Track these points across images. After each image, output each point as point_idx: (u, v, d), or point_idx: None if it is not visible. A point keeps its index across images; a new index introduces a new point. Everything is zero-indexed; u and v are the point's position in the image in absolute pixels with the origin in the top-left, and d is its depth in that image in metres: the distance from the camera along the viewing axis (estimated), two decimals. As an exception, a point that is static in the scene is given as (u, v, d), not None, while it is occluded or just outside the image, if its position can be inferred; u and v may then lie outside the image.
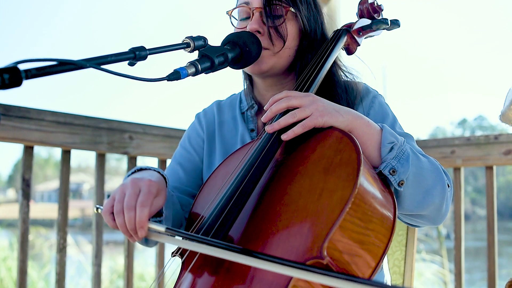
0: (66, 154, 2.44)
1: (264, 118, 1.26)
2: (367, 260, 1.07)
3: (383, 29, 1.60)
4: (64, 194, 2.41)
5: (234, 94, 1.69)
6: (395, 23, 1.60)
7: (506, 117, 2.02)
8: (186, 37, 1.19)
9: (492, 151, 2.71)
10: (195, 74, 1.18)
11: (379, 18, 1.63)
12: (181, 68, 1.14)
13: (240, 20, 1.50)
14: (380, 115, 1.47)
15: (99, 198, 2.54)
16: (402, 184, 1.19)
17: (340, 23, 3.45)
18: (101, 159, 2.54)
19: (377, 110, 1.47)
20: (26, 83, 0.84)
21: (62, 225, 2.40)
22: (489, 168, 2.77)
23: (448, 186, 1.30)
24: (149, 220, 1.12)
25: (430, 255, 6.10)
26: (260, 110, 1.58)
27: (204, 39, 1.22)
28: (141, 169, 1.32)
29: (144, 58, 1.05)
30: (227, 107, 1.65)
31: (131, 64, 1.04)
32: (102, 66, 0.96)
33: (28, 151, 2.31)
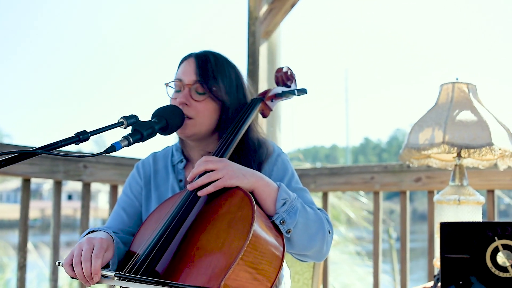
0: (26, 182, 2.74)
1: (188, 178, 1.60)
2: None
3: (293, 96, 1.97)
4: (24, 218, 2.71)
5: (168, 146, 2.01)
6: (302, 91, 1.97)
7: (403, 158, 2.42)
8: (120, 117, 1.52)
9: (405, 178, 3.11)
10: (128, 145, 1.50)
11: (292, 86, 2.00)
12: (116, 142, 1.46)
13: (175, 91, 1.83)
14: (282, 171, 1.82)
15: (56, 222, 2.84)
16: (289, 232, 1.54)
17: (280, 57, 3.83)
18: (57, 186, 2.85)
19: (279, 167, 1.82)
20: None
21: (22, 245, 2.70)
22: (403, 193, 3.17)
23: (329, 232, 1.66)
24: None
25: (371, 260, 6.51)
26: (188, 164, 1.91)
27: (136, 117, 1.55)
28: (93, 231, 1.67)
29: (87, 139, 1.38)
30: (161, 158, 1.97)
31: (77, 144, 1.38)
32: (54, 151, 1.29)
33: (-8, 181, 2.60)
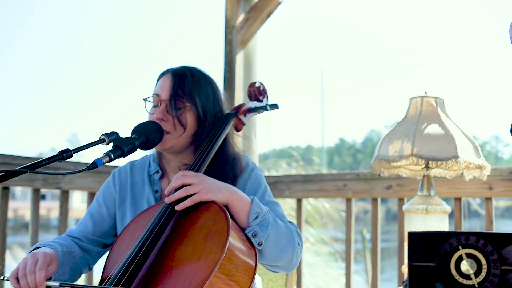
0: (5, 191, 2.77)
1: (166, 191, 1.66)
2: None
3: (265, 111, 2.05)
4: (3, 226, 2.74)
5: (146, 155, 2.07)
6: (274, 106, 2.05)
7: (373, 169, 2.51)
8: (102, 134, 1.58)
9: (376, 186, 3.21)
10: (109, 161, 1.56)
11: (264, 101, 2.08)
12: (98, 159, 1.52)
13: (153, 106, 1.88)
14: (255, 185, 1.90)
15: (35, 229, 2.88)
16: (261, 244, 1.62)
17: (257, 66, 3.90)
18: (36, 194, 2.89)
19: (253, 181, 1.90)
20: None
21: (1, 253, 2.74)
22: (374, 200, 3.27)
23: (299, 244, 1.74)
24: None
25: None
26: (164, 175, 1.97)
27: (117, 134, 1.61)
28: (39, 247, 1.74)
29: (70, 157, 1.44)
30: (138, 168, 2.02)
31: (60, 162, 1.43)
32: (37, 169, 1.35)
33: (-30, 189, 2.63)
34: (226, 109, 1.98)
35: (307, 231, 6.98)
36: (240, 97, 3.73)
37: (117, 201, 1.98)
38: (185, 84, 1.84)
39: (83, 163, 3.02)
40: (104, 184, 2.05)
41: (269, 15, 3.76)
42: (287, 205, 6.28)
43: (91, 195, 3.11)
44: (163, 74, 1.91)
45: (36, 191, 2.89)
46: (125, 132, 1.68)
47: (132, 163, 2.06)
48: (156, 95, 1.86)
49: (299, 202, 3.51)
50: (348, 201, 3.34)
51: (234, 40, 3.78)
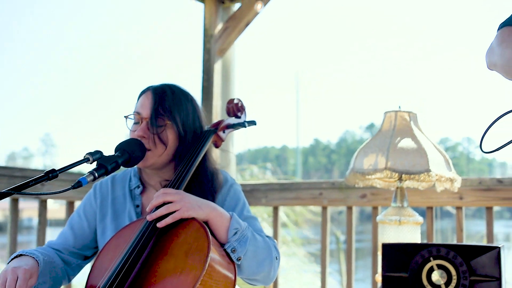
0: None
1: (148, 209, 1.71)
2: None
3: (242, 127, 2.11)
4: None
5: (127, 169, 2.10)
6: (251, 123, 2.11)
7: (349, 181, 2.58)
8: (86, 153, 1.62)
9: (351, 195, 3.28)
10: (93, 180, 1.60)
11: (242, 117, 2.13)
12: (82, 178, 1.56)
13: (134, 123, 1.92)
14: (234, 201, 1.95)
15: (13, 238, 2.88)
16: (239, 259, 1.68)
17: (235, 74, 3.95)
18: (15, 203, 2.90)
19: (232, 197, 1.96)
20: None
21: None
22: (349, 208, 3.35)
23: (276, 259, 1.80)
24: None
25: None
26: (145, 190, 2.01)
27: (100, 152, 1.65)
28: (20, 255, 1.77)
29: (56, 177, 1.48)
30: (119, 181, 2.05)
31: (46, 182, 1.47)
32: (24, 190, 1.39)
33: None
34: (206, 125, 2.03)
35: (281, 234, 7.05)
36: (218, 105, 3.77)
37: (98, 215, 2.01)
38: (165, 102, 1.89)
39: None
40: (85, 197, 2.07)
41: (247, 24, 3.81)
42: (262, 210, 6.34)
43: (70, 204, 3.13)
44: (143, 92, 1.95)
45: (14, 201, 2.90)
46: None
47: (113, 177, 2.09)
48: (137, 113, 1.91)
49: (275, 210, 3.57)
50: (324, 209, 3.41)
51: (213, 49, 3.82)
